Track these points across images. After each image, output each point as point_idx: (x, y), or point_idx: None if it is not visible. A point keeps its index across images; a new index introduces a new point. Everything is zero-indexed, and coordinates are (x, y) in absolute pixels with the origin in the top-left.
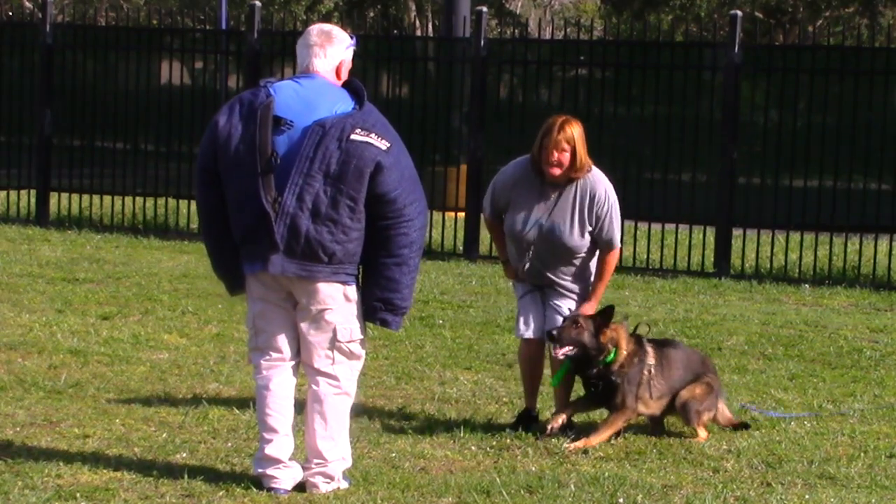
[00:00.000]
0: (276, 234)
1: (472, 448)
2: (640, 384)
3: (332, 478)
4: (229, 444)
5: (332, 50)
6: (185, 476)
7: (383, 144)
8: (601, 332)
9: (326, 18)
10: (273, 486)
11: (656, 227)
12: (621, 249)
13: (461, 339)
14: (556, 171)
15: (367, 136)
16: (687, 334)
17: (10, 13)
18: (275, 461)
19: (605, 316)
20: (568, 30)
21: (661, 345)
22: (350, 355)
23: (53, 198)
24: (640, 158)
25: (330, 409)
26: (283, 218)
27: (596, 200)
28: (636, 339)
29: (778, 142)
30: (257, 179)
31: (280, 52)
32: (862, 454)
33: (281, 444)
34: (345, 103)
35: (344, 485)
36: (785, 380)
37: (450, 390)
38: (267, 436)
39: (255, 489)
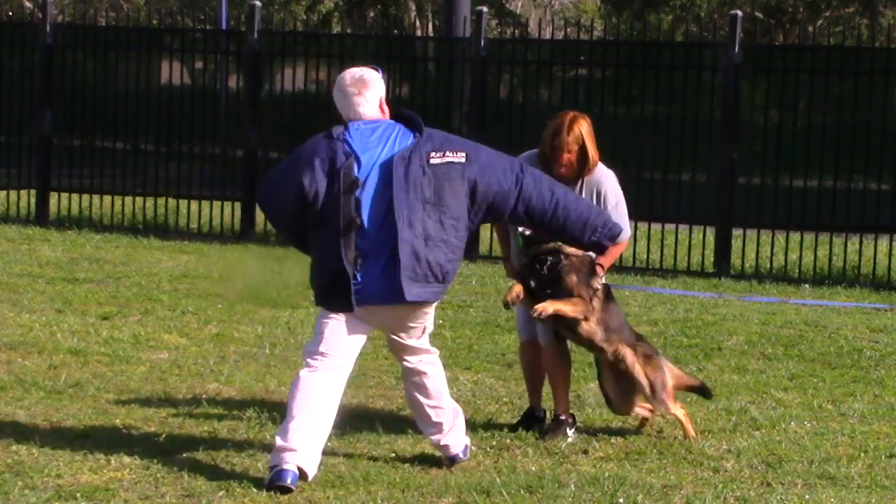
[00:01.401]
0: (352, 295)
1: (472, 448)
2: (588, 284)
3: (461, 432)
4: (229, 444)
5: (370, 94)
6: (185, 476)
7: (461, 157)
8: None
9: (326, 18)
10: (281, 468)
11: (656, 227)
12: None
13: (461, 339)
14: (565, 172)
15: (444, 156)
16: (687, 334)
17: (10, 13)
18: (288, 448)
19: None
20: (568, 30)
21: (609, 288)
22: (427, 340)
23: (53, 198)
24: (640, 158)
25: (430, 381)
26: (404, 246)
27: (603, 197)
28: (590, 259)
29: (778, 142)
30: (339, 239)
31: (280, 52)
32: (862, 454)
33: (299, 431)
34: (402, 136)
35: (466, 440)
36: (785, 380)
37: (450, 390)
38: (290, 421)
39: (254, 489)
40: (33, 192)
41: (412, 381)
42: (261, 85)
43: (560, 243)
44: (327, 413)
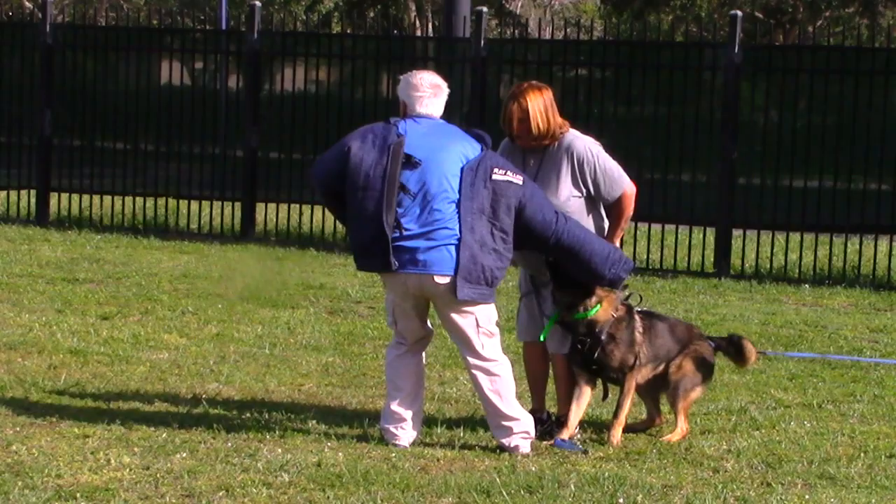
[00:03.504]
0: (391, 255)
1: (472, 448)
2: (631, 349)
3: (529, 434)
4: (229, 444)
5: (439, 100)
6: (185, 476)
7: (519, 180)
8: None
9: (326, 18)
10: (394, 442)
11: (656, 227)
12: (637, 193)
13: None
14: (522, 142)
15: (506, 174)
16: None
17: (10, 13)
18: (399, 418)
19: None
20: (568, 30)
21: (648, 315)
22: (490, 335)
23: (53, 198)
24: (640, 158)
25: (498, 381)
26: (464, 249)
27: (579, 158)
28: (626, 307)
29: (778, 142)
30: (382, 204)
31: (280, 52)
32: (862, 454)
33: (405, 402)
34: (471, 144)
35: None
36: (785, 380)
37: (450, 390)
38: (394, 393)
39: (254, 489)
40: (33, 192)
41: (471, 376)
42: (261, 85)
43: (591, 317)
44: (413, 376)
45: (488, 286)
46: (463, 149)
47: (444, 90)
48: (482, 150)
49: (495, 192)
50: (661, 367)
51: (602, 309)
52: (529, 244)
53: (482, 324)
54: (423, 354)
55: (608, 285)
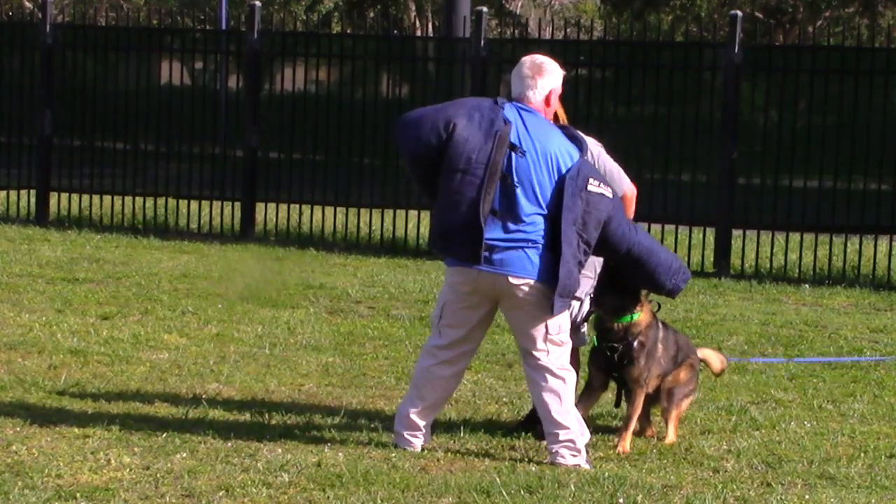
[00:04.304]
0: (481, 248)
1: (472, 448)
2: (654, 360)
3: (578, 451)
4: (229, 444)
5: (542, 81)
6: (185, 476)
7: (611, 192)
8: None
9: (326, 18)
10: (408, 448)
11: (656, 227)
12: (637, 193)
13: None
14: None
15: (600, 186)
16: (687, 334)
17: (10, 13)
18: (415, 426)
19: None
20: (568, 30)
21: (664, 325)
22: (557, 343)
23: (53, 198)
24: (640, 158)
25: (557, 384)
26: (564, 265)
27: None
28: (653, 313)
29: (778, 142)
30: (481, 191)
31: (280, 52)
32: (862, 454)
33: (425, 413)
34: (569, 147)
35: (585, 466)
36: (785, 380)
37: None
38: (416, 401)
39: (254, 489)
40: (33, 192)
41: (527, 375)
42: (261, 85)
43: (633, 322)
44: (441, 385)
45: (572, 298)
46: (566, 147)
47: (547, 70)
48: (580, 154)
49: (588, 204)
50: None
51: (643, 315)
52: (599, 252)
53: (552, 331)
54: (464, 371)
55: (666, 294)
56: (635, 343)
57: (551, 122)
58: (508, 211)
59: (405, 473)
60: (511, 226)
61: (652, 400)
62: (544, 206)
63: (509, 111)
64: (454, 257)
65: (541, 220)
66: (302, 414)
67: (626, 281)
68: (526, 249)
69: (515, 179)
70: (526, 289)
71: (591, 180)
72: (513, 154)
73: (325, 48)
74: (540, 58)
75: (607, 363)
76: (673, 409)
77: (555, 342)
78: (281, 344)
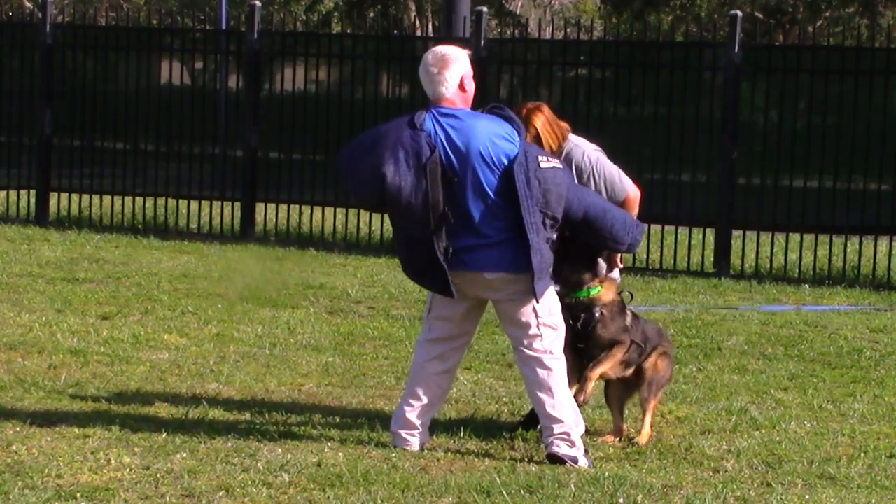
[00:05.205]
0: (451, 286)
1: (472, 448)
2: (623, 328)
3: (573, 442)
4: (229, 444)
5: (450, 73)
6: (185, 476)
7: (559, 163)
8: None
9: (326, 18)
10: (406, 447)
11: (656, 227)
12: (641, 198)
13: None
14: None
15: (549, 161)
16: (687, 334)
17: (10, 13)
18: (412, 426)
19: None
20: (568, 30)
21: (634, 315)
22: (548, 328)
23: (53, 198)
24: (640, 158)
25: (550, 376)
26: (535, 253)
27: (577, 168)
28: (617, 293)
29: (778, 142)
30: (430, 229)
31: (280, 52)
32: (862, 454)
33: (422, 412)
34: (500, 126)
35: (583, 462)
36: (785, 380)
37: (450, 390)
38: (412, 401)
39: (254, 489)
40: (33, 192)
41: (521, 369)
42: (261, 85)
43: (593, 296)
44: (437, 382)
45: (551, 277)
46: (496, 131)
47: (452, 59)
48: (515, 131)
49: (546, 181)
50: (632, 370)
51: (604, 290)
52: (562, 226)
53: (541, 314)
54: (457, 368)
55: (627, 250)
56: (597, 312)
57: (471, 110)
58: (467, 218)
59: (405, 473)
60: (476, 229)
61: (626, 393)
62: (499, 198)
63: (429, 124)
64: (427, 289)
65: (501, 212)
66: (302, 414)
67: (583, 250)
68: (497, 246)
69: (460, 207)
70: (504, 281)
71: (539, 158)
72: (448, 181)
73: (325, 48)
74: (441, 49)
75: (573, 336)
76: (652, 398)
77: (548, 325)
78: (281, 344)
